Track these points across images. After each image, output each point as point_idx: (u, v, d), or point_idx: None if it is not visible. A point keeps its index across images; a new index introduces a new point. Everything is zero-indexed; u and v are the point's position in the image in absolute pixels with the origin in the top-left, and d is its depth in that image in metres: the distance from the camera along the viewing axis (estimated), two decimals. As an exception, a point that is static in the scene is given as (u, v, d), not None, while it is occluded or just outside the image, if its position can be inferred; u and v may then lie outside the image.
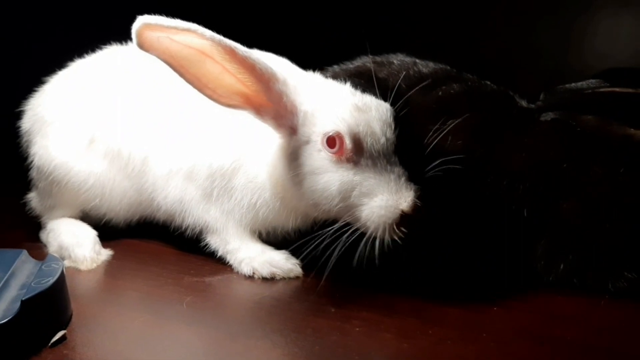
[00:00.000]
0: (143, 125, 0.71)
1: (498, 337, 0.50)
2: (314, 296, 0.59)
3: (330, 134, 0.56)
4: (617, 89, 0.59)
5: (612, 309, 0.54)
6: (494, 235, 0.61)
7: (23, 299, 0.48)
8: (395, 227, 0.54)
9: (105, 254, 0.72)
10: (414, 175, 0.56)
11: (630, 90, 0.58)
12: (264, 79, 0.57)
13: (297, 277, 0.64)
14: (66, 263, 0.68)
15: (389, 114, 0.58)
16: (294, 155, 0.59)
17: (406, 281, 0.61)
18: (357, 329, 0.52)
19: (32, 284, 0.51)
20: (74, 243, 0.71)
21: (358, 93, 0.60)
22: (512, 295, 0.58)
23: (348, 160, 0.56)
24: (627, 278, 0.55)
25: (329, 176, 0.57)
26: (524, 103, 0.65)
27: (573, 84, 0.62)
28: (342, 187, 0.56)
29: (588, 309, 0.55)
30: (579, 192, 0.57)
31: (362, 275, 0.58)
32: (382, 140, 0.56)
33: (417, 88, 0.64)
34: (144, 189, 0.71)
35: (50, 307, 0.52)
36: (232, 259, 0.67)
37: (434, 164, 0.58)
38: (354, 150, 0.56)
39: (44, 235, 0.77)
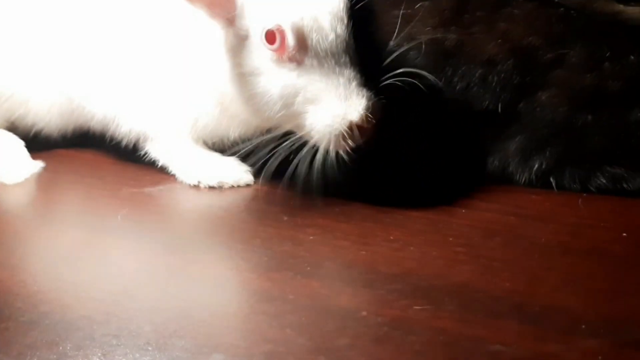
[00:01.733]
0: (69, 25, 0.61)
1: (466, 240, 0.45)
2: (265, 205, 0.53)
3: (270, 27, 0.48)
4: (605, -39, 0.51)
5: (591, 209, 0.50)
6: (457, 135, 0.55)
7: None
8: (342, 139, 0.47)
9: (35, 166, 0.64)
10: (368, 80, 0.49)
11: (620, -39, 0.51)
12: None
13: (247, 185, 0.58)
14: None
15: (341, 5, 0.49)
16: (230, 53, 0.51)
17: (363, 188, 0.55)
18: (311, 237, 0.47)
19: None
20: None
21: None
22: (480, 196, 0.53)
23: (290, 60, 0.48)
24: (611, 173, 0.50)
25: (268, 78, 0.49)
26: (500, -18, 0.57)
27: (556, -42, 0.54)
28: (284, 91, 0.48)
29: (564, 210, 0.50)
30: (559, 81, 0.51)
31: (316, 183, 0.51)
32: (331, 36, 0.48)
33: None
34: (75, 96, 0.63)
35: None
36: (174, 167, 0.60)
37: (393, 72, 0.49)
38: (297, 48, 0.48)
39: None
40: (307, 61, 0.48)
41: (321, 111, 0.48)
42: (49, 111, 0.66)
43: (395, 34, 0.54)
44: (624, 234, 0.46)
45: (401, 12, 0.55)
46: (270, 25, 0.48)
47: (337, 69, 0.48)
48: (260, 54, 0.49)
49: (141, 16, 0.57)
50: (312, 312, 0.37)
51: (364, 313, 0.36)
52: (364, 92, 0.48)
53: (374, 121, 0.47)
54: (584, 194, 0.52)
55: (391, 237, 0.46)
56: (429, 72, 0.55)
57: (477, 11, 0.54)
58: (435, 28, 0.55)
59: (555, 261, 0.42)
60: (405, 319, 0.36)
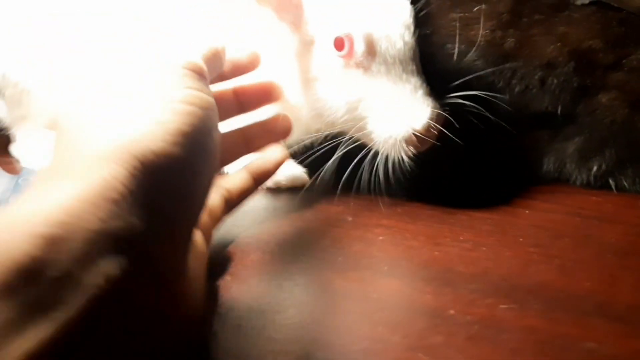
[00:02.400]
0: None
1: (536, 240, 0.46)
2: (326, 205, 0.54)
3: (339, 34, 0.48)
4: (665, -34, 0.52)
5: (651, 209, 0.51)
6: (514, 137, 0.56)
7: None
8: (404, 145, 0.48)
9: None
10: (434, 89, 0.49)
11: (681, -33, 0.51)
12: None
13: (302, 186, 0.58)
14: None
15: (409, 13, 0.50)
16: (296, 57, 0.51)
17: (422, 189, 0.55)
18: (381, 237, 0.47)
19: (10, 200, 0.45)
20: (50, 156, 0.63)
21: None
22: (540, 197, 0.53)
23: (358, 66, 0.48)
24: (670, 175, 0.51)
25: (335, 83, 0.49)
26: (556, -14, 0.58)
27: (613, -37, 0.55)
28: (350, 96, 0.49)
29: (626, 211, 0.50)
30: (619, 84, 0.52)
31: (373, 186, 0.52)
32: (399, 44, 0.48)
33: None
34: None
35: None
36: (230, 169, 0.60)
37: (461, 93, 0.49)
38: (365, 55, 0.48)
39: (15, 149, 0.69)
40: (375, 67, 0.48)
41: (385, 117, 0.48)
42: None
43: (454, 36, 0.55)
44: (690, 234, 0.46)
45: (459, 15, 0.56)
46: (339, 32, 0.48)
47: (404, 76, 0.48)
48: (326, 59, 0.49)
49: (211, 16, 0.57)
50: (400, 311, 0.37)
51: (452, 312, 0.37)
52: (429, 101, 0.48)
53: (437, 131, 0.47)
54: (642, 195, 0.53)
55: (461, 238, 0.46)
56: (487, 75, 0.55)
57: (535, 14, 0.55)
58: (493, 31, 0.55)
59: (628, 261, 0.42)
60: (494, 318, 0.36)
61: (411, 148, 0.48)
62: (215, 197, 0.46)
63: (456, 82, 0.50)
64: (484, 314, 0.36)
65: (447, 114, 0.49)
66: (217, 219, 0.45)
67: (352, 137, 0.50)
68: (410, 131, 0.47)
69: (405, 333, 0.35)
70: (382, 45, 0.48)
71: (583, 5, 0.54)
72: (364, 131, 0.50)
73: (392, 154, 0.49)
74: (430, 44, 0.55)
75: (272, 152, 0.50)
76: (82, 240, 0.24)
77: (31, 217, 0.24)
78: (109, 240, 0.25)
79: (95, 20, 0.62)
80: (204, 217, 0.42)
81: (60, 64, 0.63)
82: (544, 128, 0.55)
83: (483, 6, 0.56)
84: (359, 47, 0.48)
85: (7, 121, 0.70)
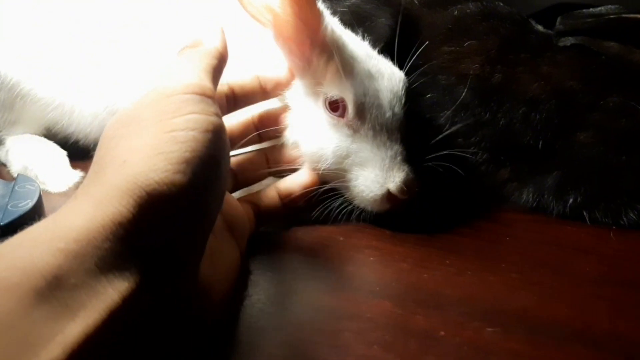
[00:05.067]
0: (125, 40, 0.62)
1: (517, 267, 0.48)
2: (318, 225, 0.55)
3: (333, 96, 0.51)
4: (640, 16, 0.56)
5: (621, 241, 0.54)
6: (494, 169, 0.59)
7: (1, 223, 0.42)
8: (379, 203, 0.52)
9: (76, 175, 0.64)
10: (413, 157, 0.53)
11: (655, 17, 0.55)
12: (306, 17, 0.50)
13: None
14: (34, 185, 0.61)
15: (401, 85, 0.54)
16: (299, 102, 0.54)
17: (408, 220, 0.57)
18: (371, 258, 0.49)
19: (9, 207, 0.45)
20: (43, 163, 0.63)
21: (374, 55, 0.55)
22: (523, 226, 0.56)
23: (348, 127, 0.52)
24: (640, 210, 0.54)
25: (326, 136, 0.52)
26: (540, 28, 0.61)
27: (592, 9, 0.59)
28: (337, 151, 0.52)
29: (599, 241, 0.54)
30: (597, 124, 0.55)
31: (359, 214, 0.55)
32: (388, 114, 0.52)
33: (431, 6, 0.60)
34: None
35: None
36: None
37: (437, 154, 0.54)
38: (355, 120, 0.51)
39: (2, 154, 0.68)
40: (363, 131, 0.52)
41: (365, 175, 0.52)
42: (91, 123, 0.67)
43: (445, 69, 0.58)
44: (657, 266, 0.50)
45: (450, 49, 0.59)
46: (333, 95, 0.51)
47: (388, 143, 0.52)
48: (322, 113, 0.52)
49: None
50: (393, 331, 0.39)
51: (442, 333, 0.39)
52: (406, 167, 0.52)
53: (408, 195, 0.51)
54: (614, 227, 0.56)
55: (447, 262, 0.49)
56: (474, 107, 0.58)
57: (521, 53, 0.58)
58: (482, 65, 0.58)
59: (602, 290, 0.45)
60: (481, 340, 0.38)
61: (384, 205, 0.52)
62: (248, 210, 0.50)
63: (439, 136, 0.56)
64: (471, 336, 0.39)
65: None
66: (250, 231, 0.48)
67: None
68: (385, 191, 0.51)
69: (399, 352, 0.37)
70: (373, 112, 0.51)
71: (565, 47, 0.58)
72: (345, 183, 0.53)
73: (369, 209, 0.53)
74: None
75: (303, 177, 0.53)
76: (94, 255, 0.27)
77: (53, 234, 0.28)
78: (118, 257, 0.28)
79: (96, 30, 0.63)
80: (239, 225, 0.46)
81: (61, 73, 0.63)
82: (525, 160, 0.58)
83: (473, 42, 0.59)
84: (350, 112, 0.51)
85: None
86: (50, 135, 0.69)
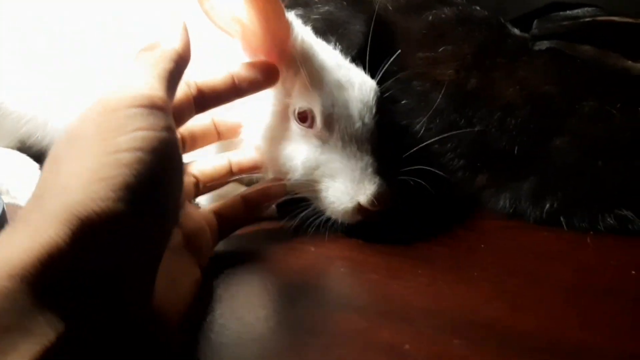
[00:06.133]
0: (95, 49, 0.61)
1: (489, 276, 0.47)
2: (291, 236, 0.54)
3: (303, 109, 0.51)
4: (615, 18, 0.55)
5: (598, 247, 0.53)
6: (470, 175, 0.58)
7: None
8: (351, 214, 0.51)
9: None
10: (387, 168, 0.52)
11: (629, 19, 0.55)
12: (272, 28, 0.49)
13: (271, 219, 0.58)
14: (5, 199, 0.60)
15: (372, 94, 0.53)
16: (271, 114, 0.53)
17: (382, 229, 0.55)
18: (342, 269, 0.49)
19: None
20: (14, 177, 0.62)
21: (345, 64, 0.54)
22: (498, 234, 0.55)
23: (317, 137, 0.51)
24: (618, 215, 0.53)
25: (296, 146, 0.52)
26: (517, 31, 0.61)
27: (569, 12, 0.58)
28: (307, 163, 0.51)
29: (574, 247, 0.53)
30: (573, 129, 0.55)
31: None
32: (358, 125, 0.51)
33: (405, 11, 0.59)
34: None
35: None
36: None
37: (410, 168, 0.53)
38: (324, 131, 0.51)
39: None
40: (332, 142, 0.51)
41: (335, 186, 0.51)
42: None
43: (421, 74, 0.57)
44: (633, 272, 0.48)
45: (425, 54, 0.58)
46: (301, 106, 0.51)
47: (358, 154, 0.51)
48: (290, 125, 0.52)
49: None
50: (357, 345, 0.38)
51: (407, 347, 0.38)
52: (377, 179, 0.51)
53: (380, 207, 0.50)
54: (592, 233, 0.55)
55: (419, 272, 0.48)
56: (449, 113, 0.58)
57: (497, 57, 0.58)
58: (457, 71, 0.58)
59: (576, 299, 0.44)
60: (448, 354, 0.37)
61: (356, 217, 0.51)
62: (211, 222, 0.48)
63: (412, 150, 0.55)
64: (438, 350, 0.38)
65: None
66: (213, 243, 0.47)
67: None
68: (355, 203, 0.50)
69: (362, 368, 0.36)
70: (341, 123, 0.50)
71: (541, 51, 0.57)
72: (316, 194, 0.52)
73: (338, 219, 0.52)
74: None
75: (269, 186, 0.53)
76: (28, 293, 0.25)
77: None
78: (55, 292, 0.26)
79: (64, 41, 0.62)
80: (200, 240, 0.44)
81: (32, 85, 0.63)
82: (501, 166, 0.57)
83: (448, 47, 0.58)
84: (318, 123, 0.50)
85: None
86: (25, 148, 0.68)
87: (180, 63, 0.38)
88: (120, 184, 0.29)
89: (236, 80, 0.47)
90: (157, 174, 0.31)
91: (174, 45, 0.39)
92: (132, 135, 0.31)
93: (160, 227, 0.32)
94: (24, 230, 0.28)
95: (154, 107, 0.33)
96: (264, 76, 0.49)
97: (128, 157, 0.30)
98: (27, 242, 0.27)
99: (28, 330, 0.25)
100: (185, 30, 0.40)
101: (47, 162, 0.32)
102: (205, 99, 0.46)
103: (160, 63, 0.37)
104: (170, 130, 0.33)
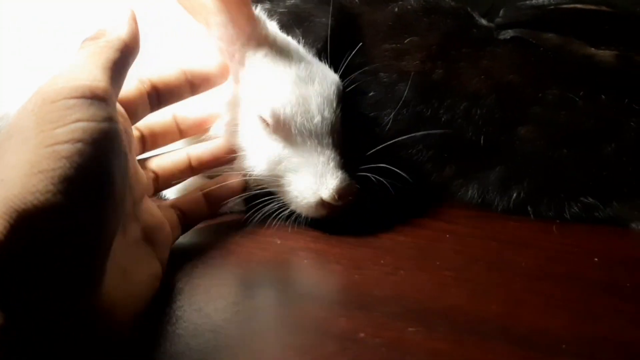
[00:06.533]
0: None
1: (452, 264, 0.47)
2: (257, 229, 0.55)
3: (260, 107, 0.51)
4: (579, 5, 0.55)
5: (564, 235, 0.53)
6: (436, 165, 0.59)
7: None
8: (314, 209, 0.51)
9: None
10: (349, 162, 0.52)
11: (593, 6, 0.55)
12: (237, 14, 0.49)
13: (240, 212, 0.58)
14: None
15: (333, 88, 0.53)
16: (236, 106, 0.54)
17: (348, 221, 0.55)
18: (305, 260, 0.49)
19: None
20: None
21: (308, 58, 0.54)
22: (462, 222, 0.56)
23: (276, 133, 0.51)
24: (584, 203, 0.54)
25: (260, 141, 0.52)
26: (484, 21, 0.61)
27: (534, 0, 0.58)
28: (270, 157, 0.52)
29: (540, 235, 0.53)
30: (537, 117, 0.55)
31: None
32: (317, 119, 0.51)
33: (371, 3, 0.59)
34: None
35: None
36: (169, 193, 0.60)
37: (374, 165, 0.53)
38: (279, 127, 0.51)
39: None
40: (292, 137, 0.51)
41: (298, 181, 0.51)
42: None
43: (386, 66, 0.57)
44: (595, 259, 0.49)
45: (391, 46, 0.58)
46: (256, 111, 0.51)
47: (319, 149, 0.51)
48: (253, 120, 0.52)
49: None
50: (311, 334, 0.38)
51: (362, 335, 0.38)
52: (339, 173, 0.50)
53: (342, 202, 0.50)
54: (558, 221, 0.55)
55: (382, 262, 0.48)
56: (416, 104, 0.58)
57: (462, 47, 0.58)
58: (423, 62, 0.58)
59: (536, 285, 0.44)
60: (402, 341, 0.37)
61: (320, 211, 0.51)
62: (171, 216, 0.48)
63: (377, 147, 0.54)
64: (392, 336, 0.38)
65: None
66: (173, 237, 0.47)
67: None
68: (318, 198, 0.50)
69: (314, 356, 0.36)
70: (298, 120, 0.50)
71: (505, 40, 0.57)
72: (280, 188, 0.52)
73: (304, 214, 0.52)
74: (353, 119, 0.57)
75: (229, 180, 0.53)
76: None
77: None
78: None
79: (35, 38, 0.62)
80: (159, 234, 0.44)
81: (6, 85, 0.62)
82: (468, 156, 0.58)
83: (414, 38, 0.58)
84: (272, 123, 0.51)
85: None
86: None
87: (126, 52, 0.38)
88: (60, 177, 0.29)
89: (189, 76, 0.47)
90: (98, 165, 0.31)
91: (120, 34, 0.38)
92: (72, 127, 0.30)
93: (103, 219, 0.32)
94: None
95: (94, 97, 0.32)
96: (215, 73, 0.50)
97: (67, 148, 0.29)
98: None
99: None
100: (134, 18, 0.40)
101: None
102: (160, 95, 0.46)
103: (105, 52, 0.36)
104: (111, 120, 0.33)
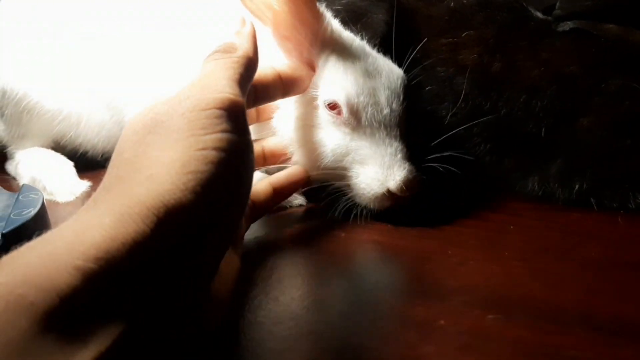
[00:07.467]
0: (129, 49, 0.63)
1: (520, 255, 0.48)
2: (318, 221, 0.55)
3: (329, 99, 0.52)
4: (640, -5, 0.55)
5: (630, 226, 0.53)
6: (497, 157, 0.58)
7: (4, 231, 0.43)
8: (379, 201, 0.52)
9: (84, 185, 0.65)
10: (416, 154, 0.53)
11: (654, -4, 0.54)
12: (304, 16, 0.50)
13: (300, 206, 0.60)
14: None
15: (399, 82, 0.54)
16: (301, 103, 0.54)
17: (410, 214, 0.56)
18: (373, 253, 0.49)
19: (12, 216, 0.46)
20: (50, 174, 0.64)
21: (372, 53, 0.55)
22: (525, 214, 0.56)
23: (345, 125, 0.52)
24: (649, 193, 0.53)
25: (326, 134, 0.53)
26: (539, 14, 0.61)
27: (591, -8, 0.58)
28: (336, 149, 0.52)
29: (605, 226, 0.53)
30: (599, 108, 0.55)
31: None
32: (386, 111, 0.52)
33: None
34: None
35: (33, 238, 0.47)
36: None
37: (439, 154, 0.54)
38: (351, 119, 0.52)
39: (11, 167, 0.70)
40: (361, 129, 0.52)
41: (365, 173, 0.52)
42: (98, 134, 0.68)
43: (444, 60, 0.57)
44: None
45: (448, 40, 0.59)
46: (329, 96, 0.52)
47: (387, 140, 0.52)
48: (323, 112, 0.53)
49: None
50: (391, 322, 0.39)
51: (442, 322, 0.38)
52: (407, 165, 0.51)
53: (409, 193, 0.51)
54: (622, 212, 0.55)
55: (449, 252, 0.48)
56: (474, 97, 0.58)
57: (519, 40, 0.58)
58: (480, 55, 0.58)
59: (608, 274, 0.44)
60: (482, 328, 0.38)
61: (385, 203, 0.52)
62: None
63: (440, 139, 0.55)
64: (472, 324, 0.38)
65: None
66: (245, 229, 0.48)
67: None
68: (385, 189, 0.51)
69: (398, 344, 0.36)
70: (369, 111, 0.51)
71: (564, 32, 0.57)
72: (346, 181, 0.53)
73: (367, 205, 0.53)
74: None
75: (294, 172, 0.54)
76: (112, 276, 0.26)
77: (72, 248, 0.26)
78: (132, 278, 0.27)
79: (98, 38, 0.64)
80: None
81: (66, 85, 0.64)
82: (528, 149, 0.57)
83: (471, 32, 0.59)
84: (344, 111, 0.51)
85: (4, 139, 0.71)
86: (59, 147, 0.71)
87: (252, 69, 0.40)
88: (207, 179, 0.30)
89: (283, 78, 0.49)
90: (238, 174, 0.33)
91: (247, 51, 0.40)
92: (219, 136, 0.32)
93: (233, 222, 0.34)
94: (108, 214, 0.28)
95: (238, 110, 0.35)
96: (305, 77, 0.51)
97: (214, 155, 0.31)
98: (112, 226, 0.27)
99: (116, 306, 0.26)
100: (254, 34, 0.42)
101: (126, 144, 0.32)
102: (257, 95, 0.47)
103: (237, 68, 0.38)
104: (247, 134, 0.35)
